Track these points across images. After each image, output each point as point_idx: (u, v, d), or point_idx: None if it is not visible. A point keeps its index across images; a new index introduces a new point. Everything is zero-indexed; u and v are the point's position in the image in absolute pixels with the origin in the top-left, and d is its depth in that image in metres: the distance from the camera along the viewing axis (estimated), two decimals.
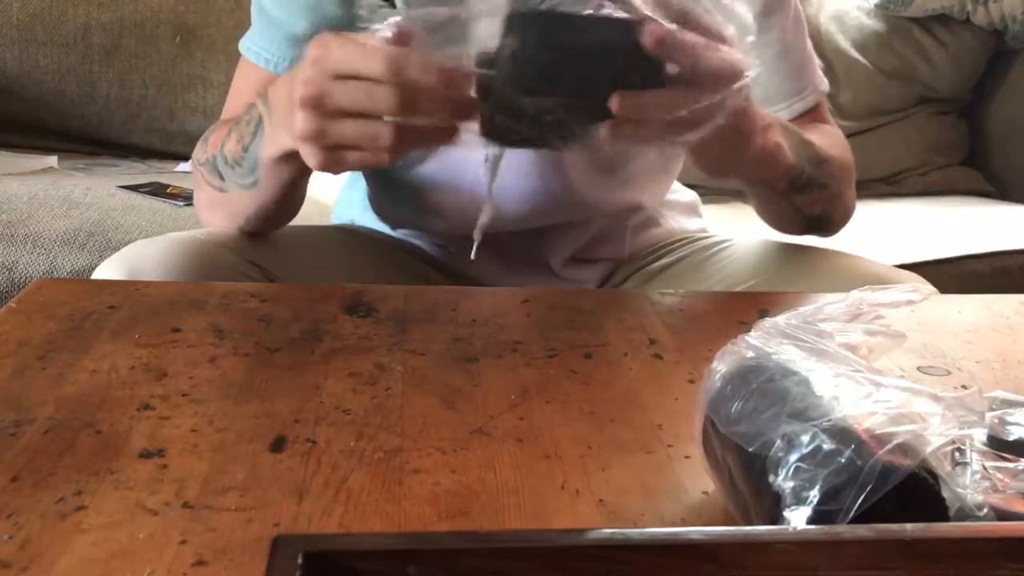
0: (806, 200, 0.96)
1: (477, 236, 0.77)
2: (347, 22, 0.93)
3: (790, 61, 1.05)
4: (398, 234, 1.12)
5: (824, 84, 1.07)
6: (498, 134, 0.71)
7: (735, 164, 0.86)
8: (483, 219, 0.76)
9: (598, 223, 1.09)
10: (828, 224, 1.04)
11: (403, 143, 0.70)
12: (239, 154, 0.87)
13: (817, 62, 1.08)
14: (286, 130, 0.78)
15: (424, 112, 0.68)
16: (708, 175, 0.87)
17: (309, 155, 0.72)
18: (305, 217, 1.04)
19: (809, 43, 1.08)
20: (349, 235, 1.10)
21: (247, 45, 0.98)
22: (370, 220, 1.13)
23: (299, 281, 0.92)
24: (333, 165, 0.73)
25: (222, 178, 0.91)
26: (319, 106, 0.69)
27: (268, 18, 0.96)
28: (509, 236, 1.04)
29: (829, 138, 1.01)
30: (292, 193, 0.91)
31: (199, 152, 0.95)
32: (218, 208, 0.96)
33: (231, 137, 0.88)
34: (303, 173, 0.86)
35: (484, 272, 1.07)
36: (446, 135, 0.70)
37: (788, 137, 0.89)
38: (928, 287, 0.86)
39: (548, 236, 1.07)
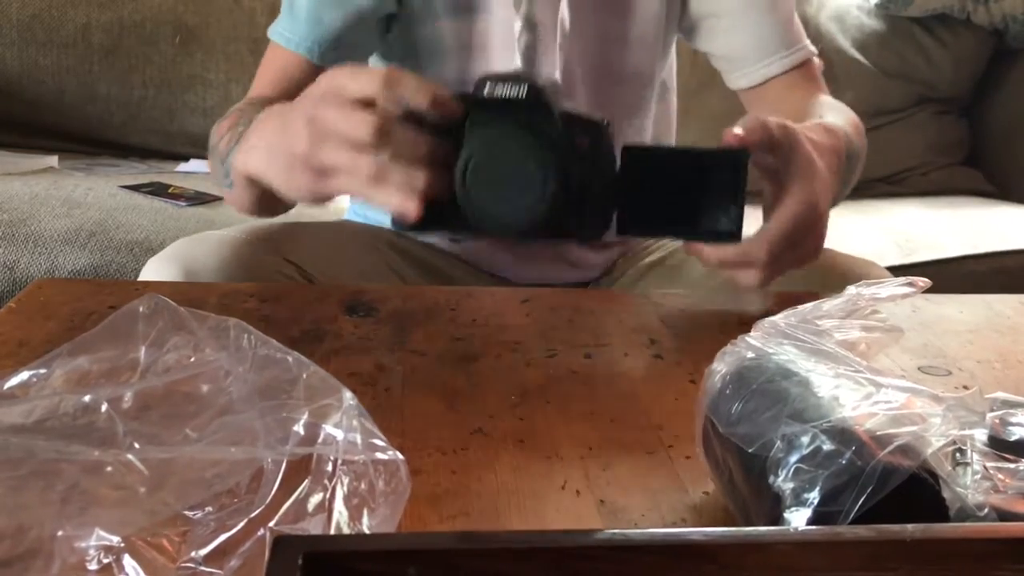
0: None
1: None
2: (377, 14, 0.99)
3: (777, 14, 1.08)
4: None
5: (811, 45, 1.10)
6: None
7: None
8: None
9: None
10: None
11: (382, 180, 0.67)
12: (225, 154, 0.88)
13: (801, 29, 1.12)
14: (255, 157, 0.78)
15: (397, 153, 0.66)
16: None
17: (294, 178, 0.72)
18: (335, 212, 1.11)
19: (792, 3, 1.12)
20: (371, 233, 1.12)
21: (276, 30, 1.03)
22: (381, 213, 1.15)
23: (331, 278, 0.95)
24: (317, 186, 0.71)
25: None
26: (311, 124, 0.68)
27: (297, 6, 1.01)
28: None
29: (842, 114, 0.99)
30: (266, 203, 0.90)
31: (212, 136, 0.97)
32: None
33: (226, 136, 0.89)
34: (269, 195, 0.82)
35: (493, 259, 1.11)
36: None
37: (839, 155, 0.85)
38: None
39: None
